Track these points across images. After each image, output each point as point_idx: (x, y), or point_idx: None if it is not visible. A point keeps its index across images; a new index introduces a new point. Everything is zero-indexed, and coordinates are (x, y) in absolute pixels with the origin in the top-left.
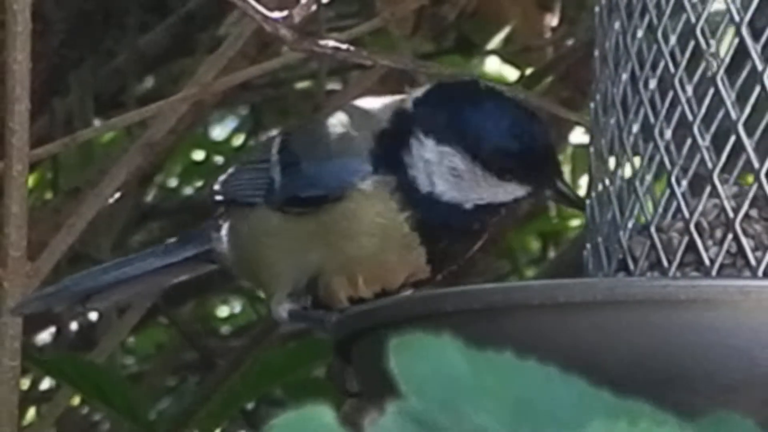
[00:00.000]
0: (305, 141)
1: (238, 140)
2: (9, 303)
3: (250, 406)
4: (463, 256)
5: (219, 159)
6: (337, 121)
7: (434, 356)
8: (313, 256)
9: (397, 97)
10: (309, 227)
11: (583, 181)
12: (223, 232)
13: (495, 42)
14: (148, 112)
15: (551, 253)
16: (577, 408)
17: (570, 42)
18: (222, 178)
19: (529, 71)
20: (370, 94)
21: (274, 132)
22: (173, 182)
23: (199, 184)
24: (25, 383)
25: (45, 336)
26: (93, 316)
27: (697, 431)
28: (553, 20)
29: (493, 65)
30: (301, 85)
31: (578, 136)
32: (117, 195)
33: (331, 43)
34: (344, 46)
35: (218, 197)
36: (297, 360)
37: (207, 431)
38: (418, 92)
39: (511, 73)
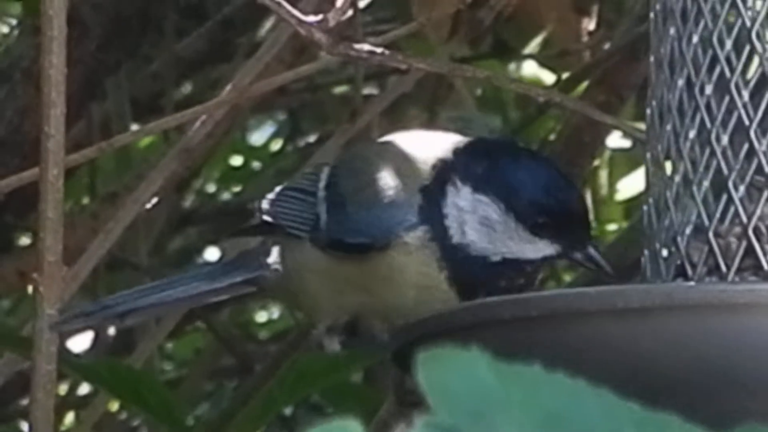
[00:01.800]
0: (352, 182)
1: (276, 145)
2: (45, 307)
3: (287, 411)
4: None
5: (257, 164)
6: (384, 165)
7: (462, 369)
8: (353, 299)
9: (440, 140)
10: (352, 272)
11: (621, 185)
12: (271, 260)
13: (532, 46)
14: (185, 117)
15: None
16: (605, 421)
17: (607, 46)
18: (270, 196)
19: (565, 75)
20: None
21: (312, 138)
22: (211, 187)
23: (237, 189)
24: (64, 388)
25: (83, 341)
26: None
27: None
28: (590, 24)
29: (530, 69)
30: (339, 89)
31: (615, 140)
32: (154, 200)
33: (366, 47)
34: (379, 50)
35: (266, 217)
36: (335, 365)
37: None
38: (459, 142)
39: (548, 77)
